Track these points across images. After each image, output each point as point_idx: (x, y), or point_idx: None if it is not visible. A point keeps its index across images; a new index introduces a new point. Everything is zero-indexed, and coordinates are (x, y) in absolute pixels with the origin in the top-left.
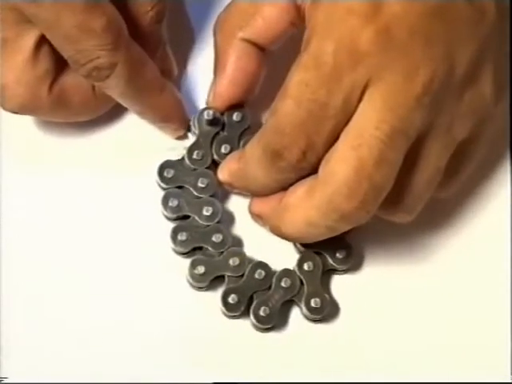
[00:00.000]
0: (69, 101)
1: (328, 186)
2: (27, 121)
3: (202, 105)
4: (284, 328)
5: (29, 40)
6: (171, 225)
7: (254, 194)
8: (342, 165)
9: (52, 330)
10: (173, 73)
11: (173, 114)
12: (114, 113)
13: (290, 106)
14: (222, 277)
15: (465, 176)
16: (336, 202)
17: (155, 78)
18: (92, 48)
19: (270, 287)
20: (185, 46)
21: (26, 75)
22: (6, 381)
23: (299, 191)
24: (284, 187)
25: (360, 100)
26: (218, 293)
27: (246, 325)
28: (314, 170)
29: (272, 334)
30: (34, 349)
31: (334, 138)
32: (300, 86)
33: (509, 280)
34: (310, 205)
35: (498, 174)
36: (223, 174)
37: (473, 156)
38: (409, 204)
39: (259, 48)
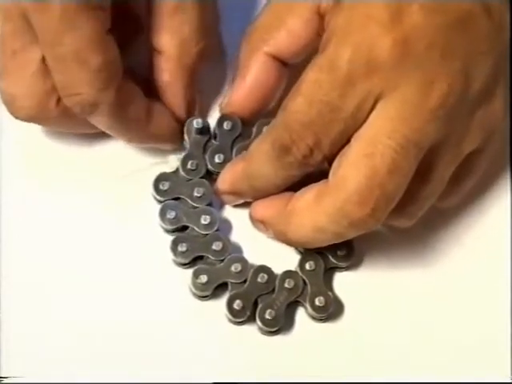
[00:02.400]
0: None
1: (339, 192)
2: (27, 125)
3: None
4: (290, 330)
5: (36, 53)
6: (169, 237)
7: (257, 193)
8: (353, 172)
9: (52, 332)
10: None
11: (163, 137)
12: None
13: (301, 104)
14: (225, 284)
15: (468, 187)
16: (346, 208)
17: (142, 110)
18: (80, 81)
19: (273, 290)
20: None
21: (35, 88)
22: (5, 381)
23: (307, 196)
24: (287, 186)
25: (372, 109)
26: (222, 301)
27: (252, 330)
28: (318, 171)
29: (279, 337)
30: (34, 349)
31: (341, 142)
32: (313, 85)
33: (509, 280)
34: (319, 210)
35: (498, 180)
36: (224, 179)
37: (477, 168)
38: (411, 211)
39: (282, 62)
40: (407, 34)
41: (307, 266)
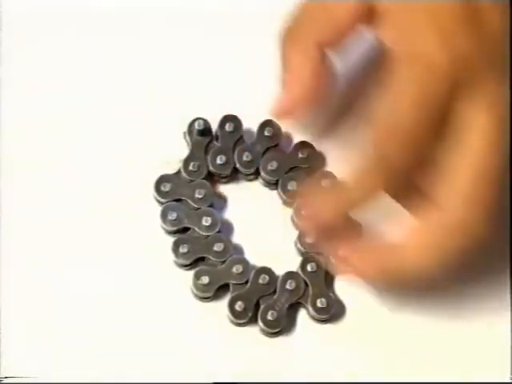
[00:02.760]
0: None
1: (450, 220)
2: (27, 125)
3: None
4: (292, 331)
5: None
6: (170, 238)
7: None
8: (462, 198)
9: (53, 332)
10: None
11: None
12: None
13: (405, 105)
14: (226, 286)
15: None
16: (459, 232)
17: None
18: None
19: (275, 291)
20: None
21: None
22: (5, 381)
23: (416, 223)
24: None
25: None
26: (223, 302)
27: (254, 331)
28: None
29: (280, 338)
30: (34, 349)
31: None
32: (413, 82)
33: (508, 279)
34: (430, 236)
35: None
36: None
37: None
38: None
39: (327, 49)
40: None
41: (309, 268)
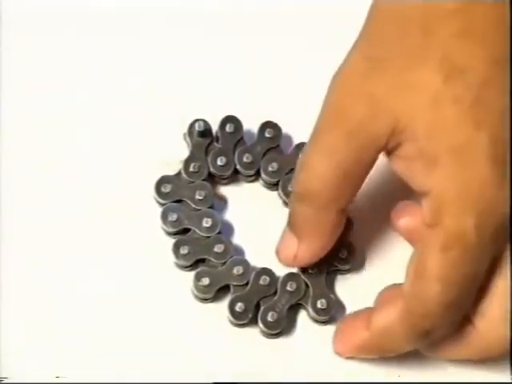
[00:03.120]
0: None
1: (495, 347)
2: (26, 124)
3: None
4: (292, 333)
5: None
6: (171, 240)
7: (386, 356)
8: (503, 328)
9: (53, 333)
10: None
11: None
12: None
13: (438, 289)
14: (227, 287)
15: None
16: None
17: None
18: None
19: (275, 292)
20: None
21: None
22: (5, 381)
23: (454, 340)
24: None
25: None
26: (224, 303)
27: (254, 332)
28: None
29: (280, 340)
30: (34, 349)
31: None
32: (446, 267)
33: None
34: (470, 352)
35: None
36: (346, 347)
37: None
38: None
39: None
40: None
41: (309, 269)
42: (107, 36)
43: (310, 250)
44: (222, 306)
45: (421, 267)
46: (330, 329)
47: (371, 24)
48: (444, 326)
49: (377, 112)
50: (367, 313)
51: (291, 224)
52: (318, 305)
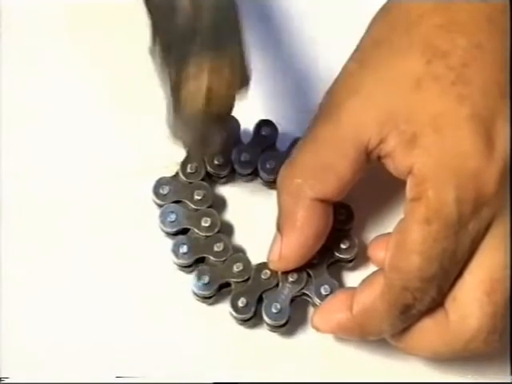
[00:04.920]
0: None
1: (464, 333)
2: (27, 124)
3: None
4: (293, 333)
5: None
6: (170, 242)
7: (364, 339)
8: (476, 311)
9: (53, 334)
10: None
11: None
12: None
13: (419, 263)
14: (228, 286)
15: None
16: (471, 346)
17: None
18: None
19: (277, 285)
20: None
21: None
22: (5, 381)
23: (427, 324)
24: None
25: (484, 235)
26: (225, 306)
27: (255, 334)
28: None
29: (283, 340)
30: (34, 349)
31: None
32: (426, 241)
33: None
34: (441, 342)
35: None
36: (327, 324)
37: None
38: None
39: (328, 202)
40: (505, 157)
41: (311, 260)
42: (107, 35)
43: (290, 245)
44: (224, 307)
45: (401, 240)
46: None
47: (365, 35)
48: (423, 301)
49: (362, 108)
50: (350, 293)
51: (276, 221)
52: (322, 291)
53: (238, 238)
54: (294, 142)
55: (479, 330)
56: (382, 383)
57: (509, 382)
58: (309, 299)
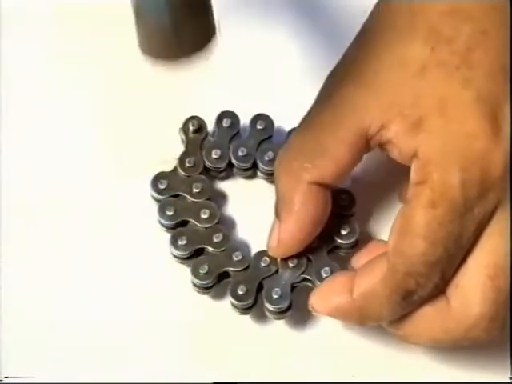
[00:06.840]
0: None
1: (465, 320)
2: (26, 124)
3: None
4: (292, 332)
5: None
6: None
7: (362, 324)
8: (479, 296)
9: (53, 331)
10: None
11: None
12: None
13: (423, 247)
14: (228, 280)
15: None
16: (472, 334)
17: None
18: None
19: (277, 271)
20: None
21: None
22: (6, 381)
23: (427, 311)
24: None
25: (489, 219)
26: (225, 302)
27: (254, 333)
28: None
29: (283, 339)
30: (34, 349)
31: (460, 260)
32: (431, 225)
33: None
34: (441, 329)
35: None
36: (325, 306)
37: None
38: None
39: (326, 186)
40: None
41: (311, 245)
42: (106, 35)
43: (288, 230)
44: (225, 303)
45: (405, 224)
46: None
47: (368, 20)
48: (426, 287)
49: (364, 93)
50: (351, 276)
51: (275, 206)
52: (323, 273)
53: (240, 233)
54: (291, 133)
55: (481, 317)
56: (383, 383)
57: (509, 382)
58: (310, 284)
